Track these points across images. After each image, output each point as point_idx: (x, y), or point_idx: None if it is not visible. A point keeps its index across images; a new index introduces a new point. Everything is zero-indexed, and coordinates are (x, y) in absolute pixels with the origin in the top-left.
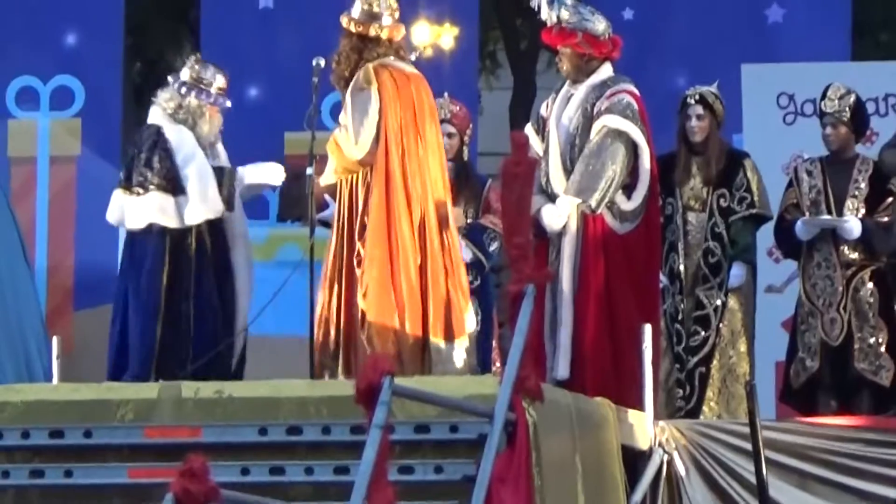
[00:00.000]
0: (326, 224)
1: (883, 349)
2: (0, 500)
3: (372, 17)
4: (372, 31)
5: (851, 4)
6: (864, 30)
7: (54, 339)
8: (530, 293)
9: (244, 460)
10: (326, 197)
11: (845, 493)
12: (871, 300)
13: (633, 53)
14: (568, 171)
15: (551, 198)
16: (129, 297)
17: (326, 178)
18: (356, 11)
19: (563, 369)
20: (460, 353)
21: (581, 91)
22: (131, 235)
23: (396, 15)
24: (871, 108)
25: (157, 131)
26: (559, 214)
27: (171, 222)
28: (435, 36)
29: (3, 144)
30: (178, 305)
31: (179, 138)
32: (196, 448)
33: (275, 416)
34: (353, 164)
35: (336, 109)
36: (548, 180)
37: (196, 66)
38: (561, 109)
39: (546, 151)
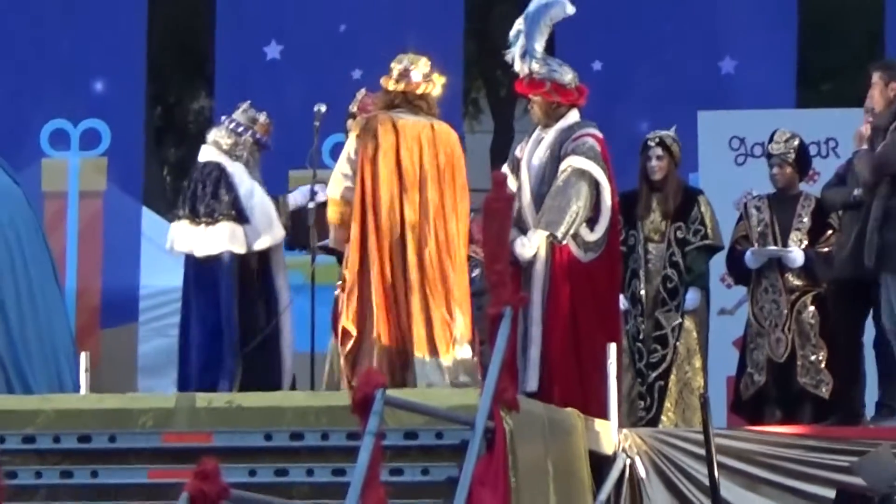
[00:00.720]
0: (328, 250)
1: (823, 365)
2: (32, 497)
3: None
4: (390, 86)
5: (797, 58)
6: (808, 80)
7: (82, 355)
8: (508, 315)
9: (252, 463)
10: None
11: (789, 494)
12: (813, 322)
13: (601, 100)
14: (538, 206)
15: (523, 230)
16: (196, 316)
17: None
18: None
19: (532, 383)
20: (442, 368)
21: (550, 134)
22: (198, 263)
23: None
24: (813, 150)
25: (219, 167)
26: (530, 245)
27: (241, 249)
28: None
29: (38, 180)
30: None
31: (240, 173)
32: (208, 452)
33: (279, 423)
34: (333, 202)
35: (335, 149)
36: (520, 214)
37: (249, 110)
38: (532, 151)
39: (519, 188)
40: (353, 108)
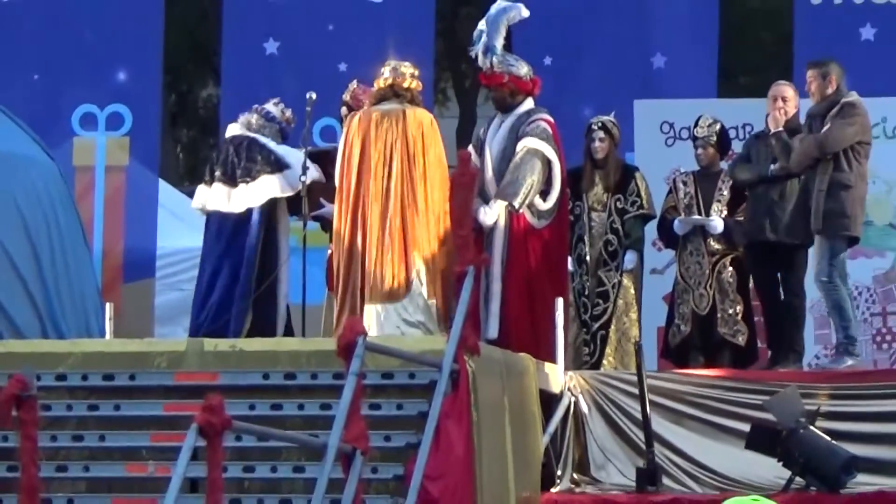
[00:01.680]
0: (319, 219)
1: (739, 318)
2: (63, 427)
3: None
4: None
5: (718, 54)
6: (728, 74)
7: (107, 305)
8: (471, 273)
9: (251, 399)
10: (322, 200)
11: (710, 428)
12: (731, 280)
13: (551, 90)
14: (499, 180)
15: (485, 200)
16: (219, 266)
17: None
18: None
19: (493, 331)
20: (393, 315)
21: (509, 119)
22: (228, 219)
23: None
24: (732, 134)
25: (247, 137)
26: (492, 213)
27: (287, 193)
28: None
29: (69, 157)
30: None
31: (266, 139)
32: (214, 389)
33: (275, 365)
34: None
35: (324, 132)
36: (483, 187)
37: (280, 105)
38: (494, 133)
39: (482, 165)
40: (346, 96)
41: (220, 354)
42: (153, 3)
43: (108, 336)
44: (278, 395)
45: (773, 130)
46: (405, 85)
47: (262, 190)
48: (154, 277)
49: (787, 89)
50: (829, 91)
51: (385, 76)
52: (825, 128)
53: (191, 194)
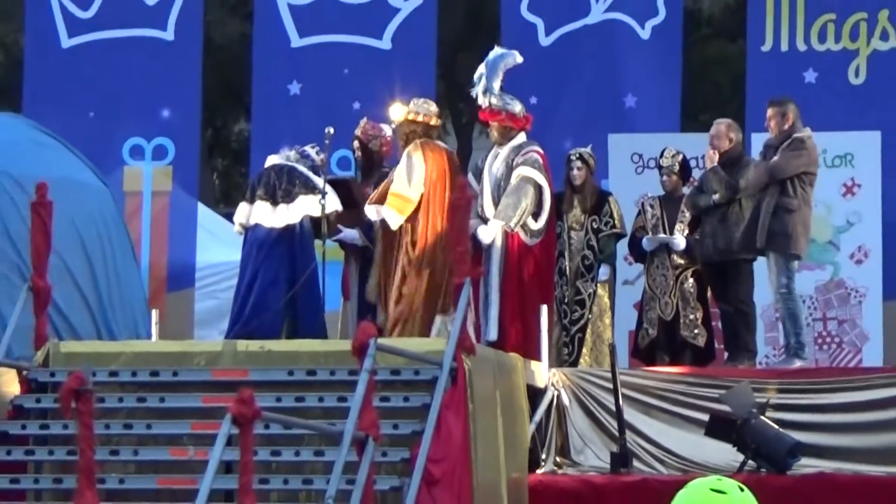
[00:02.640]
0: (339, 241)
1: (699, 322)
2: (115, 416)
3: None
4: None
5: (681, 95)
6: (690, 112)
7: (153, 312)
8: (468, 284)
9: (278, 392)
10: (339, 226)
11: (674, 417)
12: (692, 290)
13: (537, 125)
14: (496, 204)
15: (484, 221)
16: (279, 267)
17: (395, 222)
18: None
19: (493, 334)
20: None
21: (504, 151)
22: (269, 233)
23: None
24: (693, 164)
25: (286, 165)
26: (490, 232)
27: (316, 213)
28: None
29: (120, 183)
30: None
31: (301, 168)
32: (246, 384)
33: (298, 362)
34: (410, 203)
35: (341, 162)
36: (482, 209)
37: (317, 148)
38: (491, 162)
39: (481, 191)
40: (358, 132)
41: (251, 354)
42: (192, 51)
43: (154, 338)
44: (301, 389)
45: (708, 167)
46: (432, 123)
47: (300, 208)
48: (194, 287)
49: (719, 128)
50: (786, 126)
51: (414, 111)
52: (775, 157)
53: (226, 216)
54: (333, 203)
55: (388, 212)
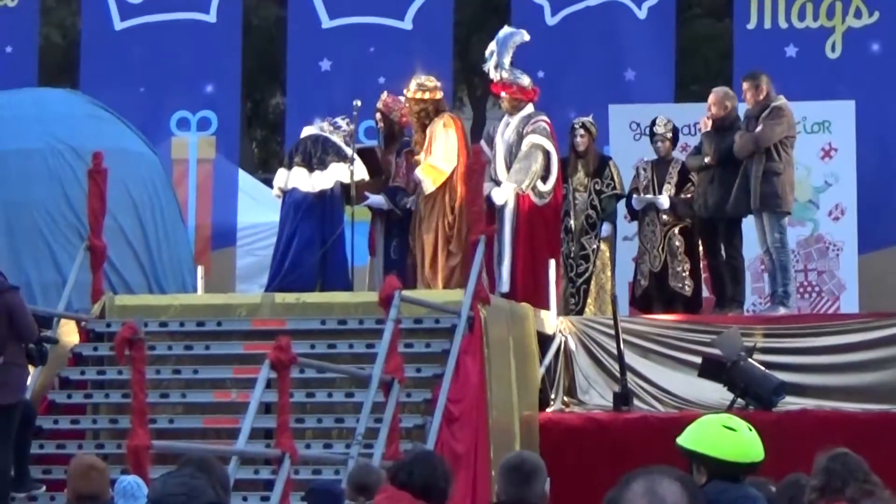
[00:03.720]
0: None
1: (686, 274)
2: (165, 363)
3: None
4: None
5: (674, 69)
6: (682, 83)
7: (199, 268)
8: (482, 241)
9: (312, 339)
10: (366, 192)
11: (669, 360)
12: (679, 244)
13: (544, 96)
14: (508, 168)
15: (497, 183)
16: (312, 230)
17: (428, 188)
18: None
19: (505, 286)
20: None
21: (515, 120)
22: (306, 196)
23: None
24: (685, 131)
25: (321, 135)
26: (503, 194)
27: (346, 179)
28: None
29: (169, 152)
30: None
31: (334, 138)
32: (283, 333)
33: (330, 313)
34: (443, 174)
35: (368, 132)
36: (495, 173)
37: (347, 119)
38: (503, 131)
39: (494, 156)
40: (379, 104)
41: (288, 305)
42: (233, 32)
43: (199, 291)
44: (333, 337)
45: (703, 131)
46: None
47: (333, 174)
48: (235, 246)
49: (711, 96)
50: (761, 97)
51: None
52: (759, 127)
53: (264, 181)
54: (361, 171)
55: (425, 179)
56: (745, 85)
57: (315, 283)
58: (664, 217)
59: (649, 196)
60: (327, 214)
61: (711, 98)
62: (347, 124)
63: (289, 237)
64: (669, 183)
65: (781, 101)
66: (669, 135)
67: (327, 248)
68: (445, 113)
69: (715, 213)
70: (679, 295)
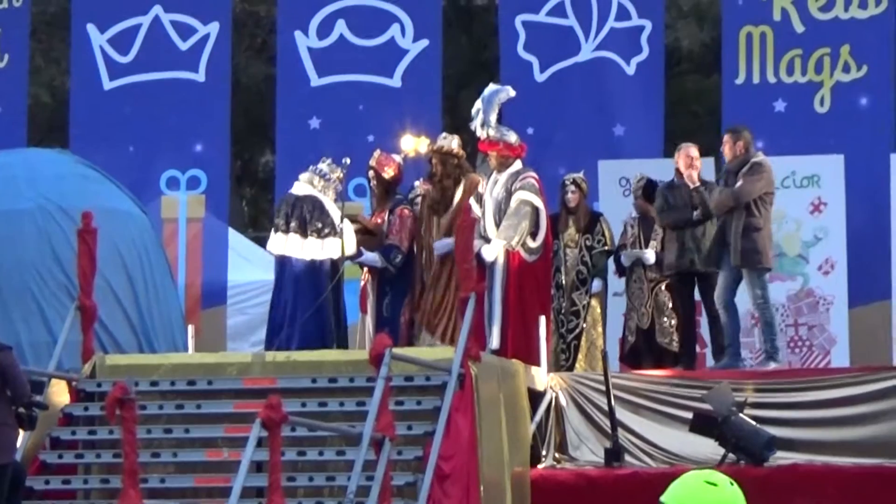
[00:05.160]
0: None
1: (673, 329)
2: (156, 422)
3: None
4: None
5: (663, 125)
6: (671, 138)
7: (189, 327)
8: (473, 298)
9: (303, 398)
10: (361, 248)
11: (660, 416)
12: (666, 300)
13: (533, 153)
14: (497, 225)
15: (487, 241)
16: (301, 295)
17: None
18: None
19: (495, 342)
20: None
21: (503, 177)
22: (299, 263)
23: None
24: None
25: (316, 198)
26: (493, 251)
27: (336, 255)
28: (416, 143)
29: (159, 211)
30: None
31: (329, 203)
32: (274, 391)
33: (320, 371)
34: None
35: (357, 189)
36: (484, 230)
37: (328, 161)
38: (491, 188)
39: (483, 213)
40: (372, 162)
41: (278, 364)
42: (222, 91)
43: (190, 350)
44: (324, 395)
45: (692, 186)
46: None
47: (328, 249)
48: (226, 304)
49: (695, 150)
50: (740, 152)
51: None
52: (738, 183)
53: (254, 239)
54: (350, 243)
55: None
56: (725, 138)
57: (311, 344)
58: (650, 273)
59: (636, 251)
60: (319, 280)
61: (690, 152)
62: (332, 169)
63: (283, 301)
64: (655, 239)
65: (761, 157)
66: (640, 192)
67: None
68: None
69: (692, 267)
70: (667, 351)
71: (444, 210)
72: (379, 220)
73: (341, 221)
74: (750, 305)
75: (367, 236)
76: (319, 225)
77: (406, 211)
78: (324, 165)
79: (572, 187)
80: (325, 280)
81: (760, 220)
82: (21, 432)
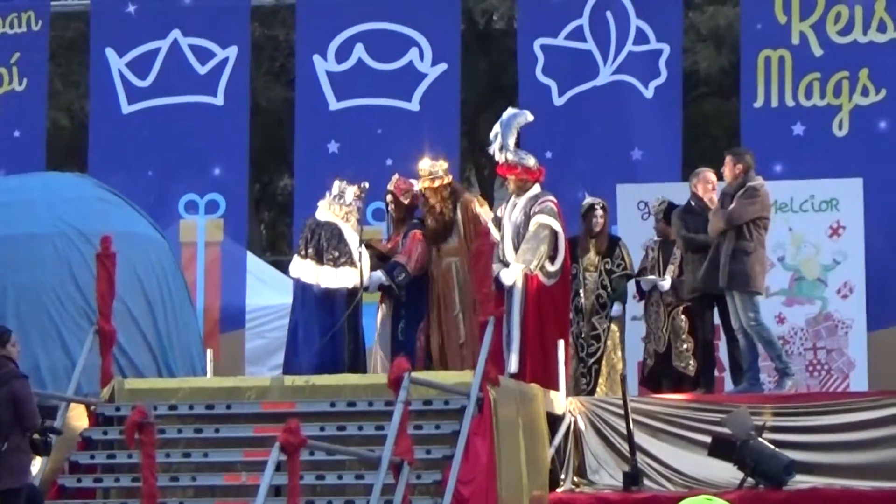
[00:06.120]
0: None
1: (689, 353)
2: (175, 446)
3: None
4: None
5: (681, 148)
6: (689, 162)
7: (208, 351)
8: (491, 322)
9: (321, 422)
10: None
11: (679, 440)
12: (683, 325)
13: (552, 177)
14: (516, 249)
15: (505, 265)
16: (317, 321)
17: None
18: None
19: (514, 366)
20: None
21: (522, 201)
22: (315, 290)
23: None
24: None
25: (336, 226)
26: (511, 275)
27: (352, 285)
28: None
29: (177, 235)
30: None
31: (349, 231)
32: (293, 415)
33: (340, 395)
34: None
35: (375, 213)
36: (503, 254)
37: (344, 183)
38: (510, 212)
39: (502, 237)
40: (390, 186)
41: (297, 388)
42: (240, 114)
43: (209, 374)
44: (343, 419)
45: (713, 210)
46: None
47: (344, 278)
48: (244, 328)
49: (713, 174)
50: (739, 175)
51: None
52: (733, 204)
53: (273, 263)
54: (367, 271)
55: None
56: (726, 159)
57: (324, 371)
58: (667, 298)
59: (652, 277)
60: (334, 305)
61: (708, 177)
62: (340, 186)
63: (299, 329)
64: (672, 263)
65: (759, 181)
66: (661, 215)
67: (329, 338)
68: (476, 196)
69: (694, 292)
70: (684, 375)
71: (446, 237)
72: (392, 245)
73: (360, 246)
74: (738, 326)
75: (382, 262)
76: (336, 254)
77: (419, 234)
78: (335, 188)
79: (600, 212)
80: (341, 307)
81: (751, 244)
82: (38, 458)
